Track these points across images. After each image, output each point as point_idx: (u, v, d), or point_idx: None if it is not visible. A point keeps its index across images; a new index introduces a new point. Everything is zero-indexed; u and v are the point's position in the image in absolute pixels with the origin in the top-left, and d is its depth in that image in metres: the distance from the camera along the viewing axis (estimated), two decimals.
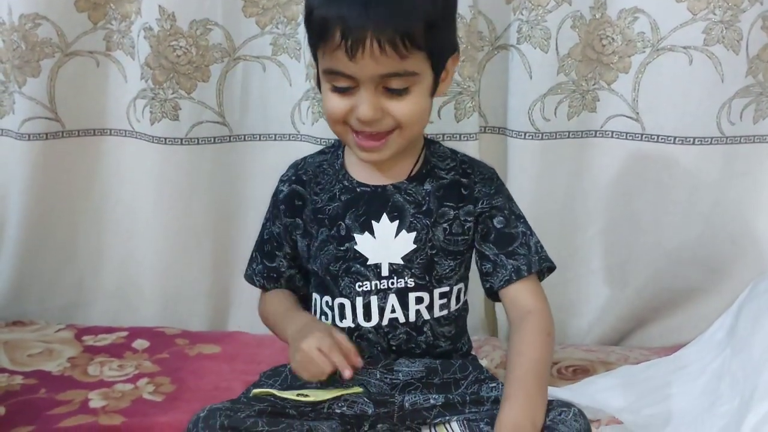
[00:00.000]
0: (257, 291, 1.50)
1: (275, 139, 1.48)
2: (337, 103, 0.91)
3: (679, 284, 1.42)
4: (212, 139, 1.46)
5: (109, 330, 1.44)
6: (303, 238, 1.01)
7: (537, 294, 0.99)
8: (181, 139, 1.45)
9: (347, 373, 0.86)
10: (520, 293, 0.98)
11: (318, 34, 0.88)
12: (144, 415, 1.15)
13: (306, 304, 1.05)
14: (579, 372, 1.27)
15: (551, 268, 1.02)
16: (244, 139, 1.48)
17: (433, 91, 0.94)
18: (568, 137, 1.40)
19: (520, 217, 1.01)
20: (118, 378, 1.27)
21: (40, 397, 1.20)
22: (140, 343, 1.39)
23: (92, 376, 1.27)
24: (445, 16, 0.91)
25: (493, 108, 1.43)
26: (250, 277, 1.09)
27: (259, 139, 1.48)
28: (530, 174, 1.39)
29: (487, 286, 1.01)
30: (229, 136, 1.47)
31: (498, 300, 1.02)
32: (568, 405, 0.91)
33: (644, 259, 1.42)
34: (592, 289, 1.46)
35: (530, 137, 1.38)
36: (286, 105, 1.45)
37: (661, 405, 1.09)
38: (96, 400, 1.19)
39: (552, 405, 0.91)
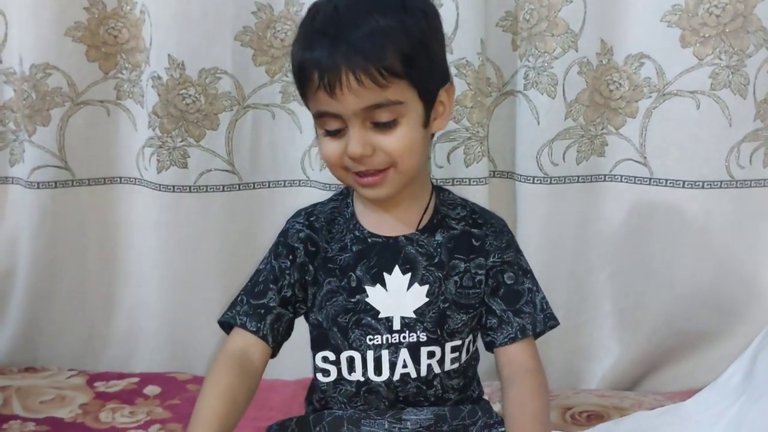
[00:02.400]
0: None
1: (285, 186, 1.49)
2: (332, 148, 0.91)
3: (692, 327, 1.41)
4: (221, 187, 1.47)
5: (121, 376, 1.43)
6: (312, 286, 0.98)
7: (535, 354, 0.99)
8: (190, 187, 1.46)
9: None
10: (520, 351, 0.97)
11: (300, 80, 0.89)
12: None
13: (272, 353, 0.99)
14: (593, 418, 1.25)
15: (553, 326, 1.00)
16: (254, 187, 1.49)
17: (427, 123, 0.92)
18: (577, 181, 1.40)
19: (527, 272, 1.00)
20: (130, 425, 1.26)
21: None
22: (151, 389, 1.38)
23: (104, 423, 1.27)
24: (423, 46, 0.89)
25: (501, 153, 1.44)
26: (230, 320, 0.97)
27: (269, 186, 1.49)
28: (539, 218, 1.40)
29: (488, 340, 0.99)
30: (239, 184, 1.48)
31: (492, 352, 1.00)
32: None
33: (656, 303, 1.41)
34: (605, 334, 1.45)
35: (539, 181, 1.39)
36: (297, 152, 1.47)
37: None
38: None
39: None
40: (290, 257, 0.98)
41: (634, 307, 1.43)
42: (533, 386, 0.94)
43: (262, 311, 0.96)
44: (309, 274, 0.98)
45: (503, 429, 0.95)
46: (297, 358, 1.38)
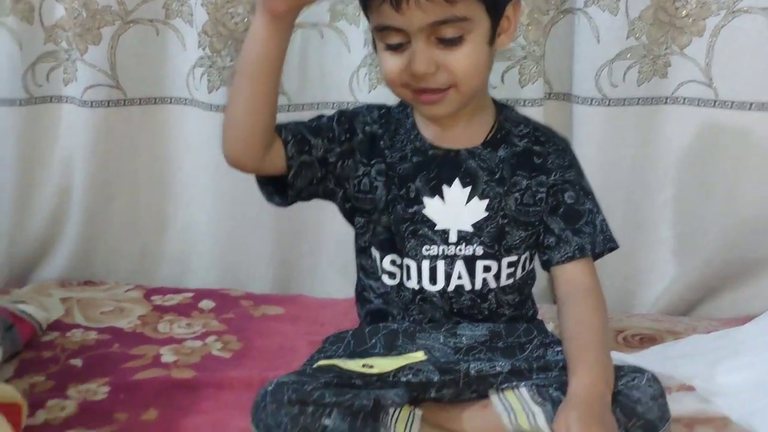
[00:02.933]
0: (319, 256, 1.53)
1: (333, 107, 1.48)
2: (393, 63, 0.89)
3: (752, 254, 1.39)
4: None
5: (176, 291, 1.47)
6: (384, 186, 0.96)
7: (594, 273, 0.98)
8: None
9: None
10: (578, 271, 0.97)
11: None
12: (214, 370, 1.17)
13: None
14: (646, 341, 1.25)
15: (613, 248, 1.00)
16: (302, 109, 1.48)
17: (492, 40, 0.90)
18: (638, 104, 1.36)
19: (588, 194, 0.99)
20: (187, 335, 1.30)
21: (114, 352, 1.23)
22: (206, 304, 1.41)
23: (162, 333, 1.30)
24: None
25: (558, 73, 1.40)
26: (280, 125, 0.93)
27: (317, 108, 1.48)
28: (596, 141, 1.37)
29: (545, 258, 0.99)
30: (287, 105, 1.47)
31: (548, 271, 1.00)
32: (640, 371, 0.90)
33: (715, 228, 1.39)
34: (661, 258, 1.44)
35: (597, 103, 1.35)
36: (345, 72, 1.45)
37: (734, 374, 1.07)
38: (167, 355, 1.22)
39: (624, 371, 0.90)
40: (348, 134, 0.96)
41: (692, 232, 1.41)
42: (592, 305, 0.94)
43: (306, 148, 0.93)
44: (375, 170, 0.96)
45: (559, 348, 0.95)
46: (345, 278, 1.42)
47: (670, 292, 1.43)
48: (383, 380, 0.91)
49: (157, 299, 1.44)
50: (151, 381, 1.14)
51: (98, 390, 1.11)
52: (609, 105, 1.35)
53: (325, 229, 1.50)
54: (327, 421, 0.84)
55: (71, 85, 1.47)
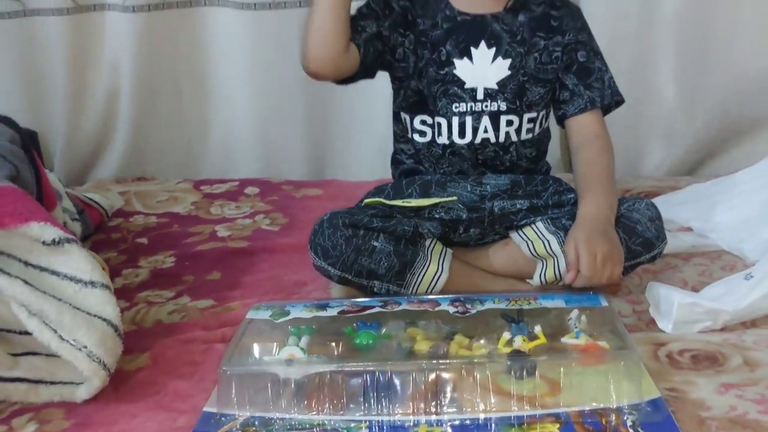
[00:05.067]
0: (350, 144, 1.65)
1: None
2: None
3: (748, 114, 1.49)
4: (298, 3, 1.56)
5: (222, 181, 1.62)
6: (413, 54, 1.09)
7: (603, 123, 1.11)
8: (269, 4, 1.56)
9: None
10: (589, 121, 1.10)
11: None
12: (265, 239, 1.32)
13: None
14: (650, 196, 1.35)
15: (620, 102, 1.12)
16: None
17: None
18: None
19: (597, 54, 1.11)
20: (238, 215, 1.44)
21: (174, 231, 1.39)
22: (251, 190, 1.56)
23: (215, 215, 1.45)
24: None
25: None
26: None
27: None
28: (603, 12, 1.45)
29: (560, 113, 1.12)
30: None
31: (563, 126, 1.13)
32: (639, 199, 1.04)
33: (714, 92, 1.49)
34: (664, 124, 1.54)
35: None
36: None
37: (729, 213, 1.19)
38: (222, 231, 1.37)
39: (625, 199, 1.04)
40: (388, 10, 1.07)
41: (692, 99, 1.51)
42: (601, 147, 1.08)
43: (359, 28, 1.04)
44: (409, 42, 1.08)
45: (572, 195, 1.08)
46: (375, 163, 1.54)
47: (672, 155, 1.54)
48: (420, 215, 1.05)
49: (206, 188, 1.58)
50: (211, 251, 1.29)
51: (165, 260, 1.27)
52: None
53: (356, 117, 1.62)
54: (375, 243, 0.99)
55: None
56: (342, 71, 1.05)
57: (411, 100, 1.11)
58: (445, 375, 0.81)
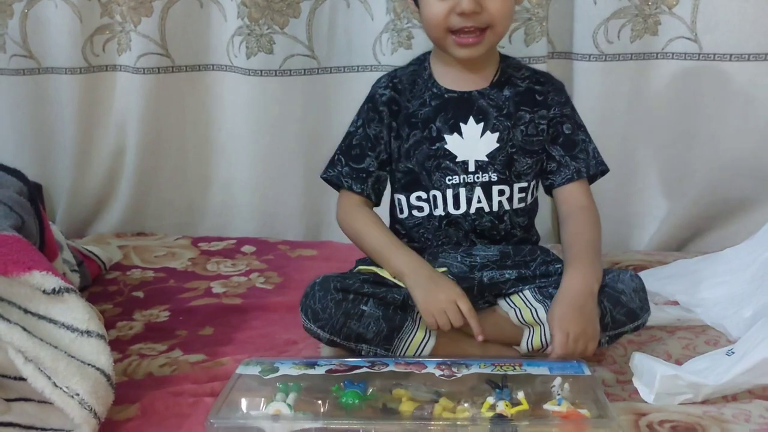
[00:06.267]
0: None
1: (358, 71, 1.63)
2: (438, 8, 1.06)
3: (734, 194, 1.53)
4: (302, 71, 1.63)
5: (220, 239, 1.66)
6: (395, 140, 1.15)
7: (589, 193, 1.16)
8: (275, 71, 1.62)
9: (480, 338, 1.02)
10: (576, 191, 1.15)
11: None
12: (259, 297, 1.35)
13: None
14: (638, 270, 1.39)
15: (605, 171, 1.17)
16: (331, 72, 1.64)
17: None
18: (631, 59, 1.51)
19: (581, 126, 1.17)
20: (233, 273, 1.47)
21: (170, 286, 1.41)
22: (248, 248, 1.60)
23: (211, 271, 1.49)
24: None
25: (560, 34, 1.55)
26: (336, 178, 1.15)
27: (344, 71, 1.64)
28: (595, 94, 1.52)
29: (548, 183, 1.16)
30: (318, 68, 1.63)
31: (551, 195, 1.17)
32: (624, 270, 1.08)
33: (701, 172, 1.53)
34: (653, 202, 1.59)
35: (594, 59, 1.50)
36: (368, 38, 1.60)
37: (714, 289, 1.22)
38: (217, 288, 1.40)
39: (609, 270, 1.08)
40: (380, 123, 1.14)
41: (680, 177, 1.56)
42: (587, 219, 1.12)
43: (363, 175, 1.14)
44: (394, 130, 1.15)
45: (559, 265, 1.11)
46: None
47: (660, 232, 1.58)
48: None
49: (204, 245, 1.62)
50: (205, 307, 1.31)
51: (160, 314, 1.29)
52: (606, 60, 1.50)
53: None
54: (364, 307, 1.02)
55: (125, 55, 1.65)
56: None
57: (403, 181, 1.16)
58: None
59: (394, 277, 1.08)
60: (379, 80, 1.19)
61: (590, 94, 1.51)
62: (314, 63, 1.63)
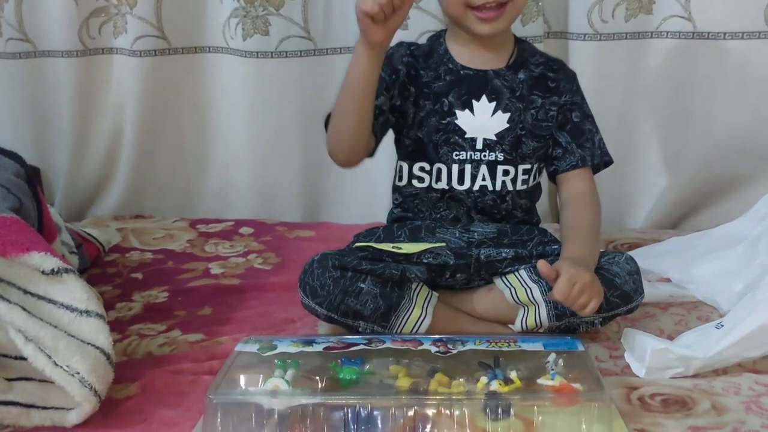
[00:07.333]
0: (343, 189, 1.70)
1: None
2: None
3: (728, 172, 1.54)
4: (299, 53, 1.63)
5: (218, 221, 1.66)
6: (413, 106, 1.14)
7: (592, 182, 1.17)
8: (272, 53, 1.62)
9: None
10: (579, 178, 1.16)
11: None
12: (257, 277, 1.36)
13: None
14: (632, 248, 1.41)
15: (608, 163, 1.18)
16: (327, 53, 1.64)
17: None
18: (625, 38, 1.51)
19: (589, 116, 1.18)
20: (232, 254, 1.48)
21: (169, 267, 1.42)
22: (246, 230, 1.60)
23: (209, 253, 1.49)
24: None
25: (555, 14, 1.55)
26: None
27: (340, 53, 1.64)
28: (590, 74, 1.51)
29: (552, 168, 1.17)
30: (314, 50, 1.63)
31: (555, 181, 1.18)
32: (619, 252, 1.08)
33: (696, 150, 1.54)
34: (648, 181, 1.60)
35: (589, 38, 1.51)
36: None
37: (706, 266, 1.23)
38: (215, 269, 1.41)
39: (605, 252, 1.08)
40: (395, 75, 1.13)
41: (675, 155, 1.57)
42: (588, 203, 1.13)
43: (377, 112, 1.10)
44: (411, 95, 1.14)
45: (556, 246, 1.12)
46: (366, 208, 1.59)
47: (656, 210, 1.59)
48: (408, 260, 1.08)
49: (202, 227, 1.63)
50: (204, 287, 1.32)
51: (158, 295, 1.30)
52: (600, 39, 1.51)
53: None
54: (362, 285, 1.03)
55: (121, 37, 1.64)
56: (363, 158, 1.13)
57: (410, 148, 1.16)
58: (424, 411, 0.84)
59: (393, 248, 1.08)
60: (398, 44, 1.16)
61: (585, 73, 1.48)
62: (310, 44, 1.63)
